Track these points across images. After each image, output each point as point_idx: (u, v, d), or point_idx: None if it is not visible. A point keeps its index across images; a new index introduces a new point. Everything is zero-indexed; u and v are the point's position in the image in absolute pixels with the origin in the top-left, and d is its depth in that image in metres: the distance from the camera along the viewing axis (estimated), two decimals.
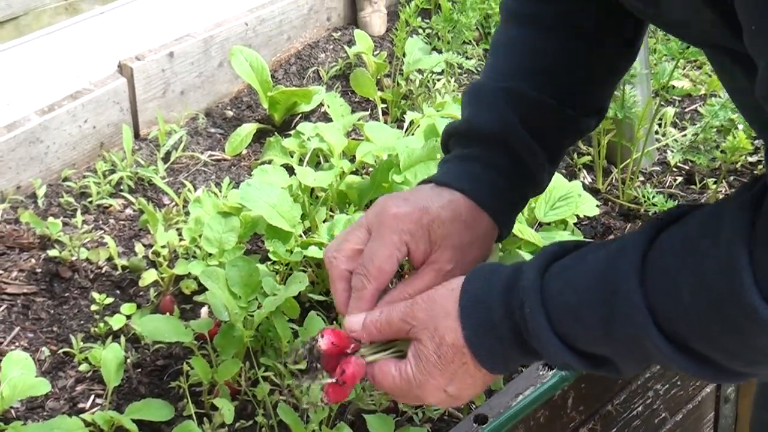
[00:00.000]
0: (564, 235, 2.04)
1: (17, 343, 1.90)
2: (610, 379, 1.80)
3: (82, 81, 2.41)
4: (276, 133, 2.48)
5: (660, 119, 2.64)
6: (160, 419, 1.69)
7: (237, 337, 1.73)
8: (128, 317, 1.94)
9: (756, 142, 2.45)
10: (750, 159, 2.53)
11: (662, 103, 2.41)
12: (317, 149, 2.26)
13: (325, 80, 2.82)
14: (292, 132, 2.37)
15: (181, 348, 1.89)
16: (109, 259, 2.09)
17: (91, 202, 2.26)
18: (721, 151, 2.39)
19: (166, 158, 2.42)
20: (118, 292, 2.03)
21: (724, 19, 0.94)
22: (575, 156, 2.50)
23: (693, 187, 2.47)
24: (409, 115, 2.43)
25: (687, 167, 2.53)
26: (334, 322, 1.88)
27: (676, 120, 2.69)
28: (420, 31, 3.01)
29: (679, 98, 2.78)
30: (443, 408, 1.74)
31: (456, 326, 1.10)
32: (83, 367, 1.86)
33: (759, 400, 1.70)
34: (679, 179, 2.49)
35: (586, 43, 1.33)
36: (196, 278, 1.98)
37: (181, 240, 2.04)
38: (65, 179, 2.33)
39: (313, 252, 1.92)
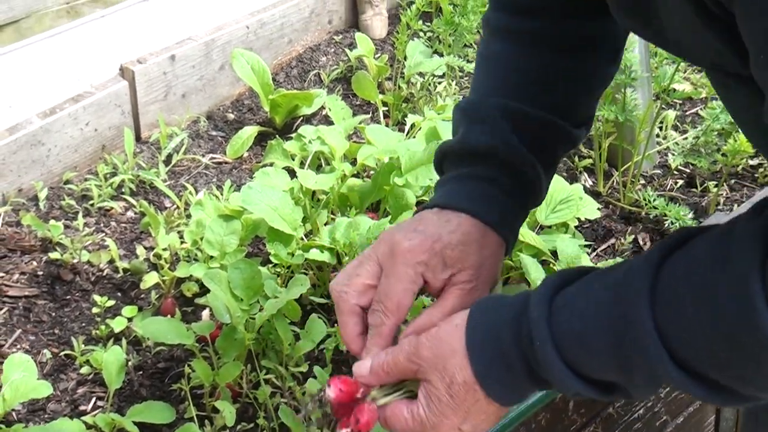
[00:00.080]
0: (565, 238, 2.04)
1: (19, 346, 1.90)
2: None
3: (84, 84, 2.41)
4: (277, 136, 2.48)
5: (661, 122, 2.64)
6: (161, 422, 1.70)
7: (238, 339, 1.73)
8: (129, 320, 1.94)
9: None
10: (751, 162, 2.53)
11: (663, 106, 2.41)
12: (318, 152, 2.26)
13: (326, 83, 2.82)
14: (293, 135, 2.37)
15: (182, 350, 1.89)
16: (111, 261, 2.09)
17: (92, 205, 2.27)
18: (722, 154, 2.39)
19: (168, 161, 2.42)
20: (119, 294, 2.03)
21: (727, 42, 0.94)
22: (576, 159, 2.51)
23: (694, 190, 2.47)
24: (411, 118, 2.44)
25: (688, 170, 2.53)
26: (336, 324, 1.88)
27: (677, 123, 2.69)
28: (421, 34, 3.02)
29: (680, 101, 2.78)
30: None
31: (465, 363, 1.09)
32: (84, 369, 1.86)
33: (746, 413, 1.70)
34: (680, 182, 2.50)
35: (574, 56, 1.33)
36: (197, 281, 1.98)
37: (182, 243, 2.04)
38: (67, 182, 2.33)
39: (315, 255, 1.92)
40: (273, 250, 1.94)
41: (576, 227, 2.18)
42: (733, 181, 2.50)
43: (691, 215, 2.31)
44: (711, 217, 2.24)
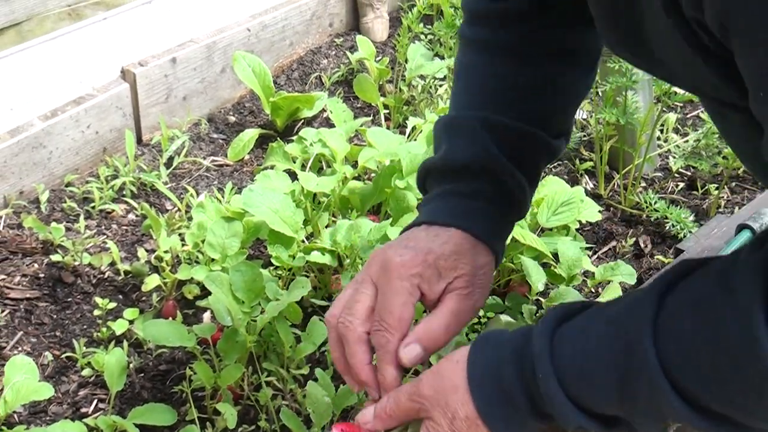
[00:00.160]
0: (566, 241, 2.04)
1: (20, 348, 1.91)
2: None
3: (85, 86, 2.42)
4: (278, 138, 2.48)
5: (662, 125, 2.64)
6: (162, 424, 1.69)
7: (240, 341, 1.73)
8: (131, 322, 1.94)
9: None
10: None
11: (664, 109, 2.41)
12: (320, 155, 2.26)
13: (327, 86, 2.83)
14: (294, 137, 2.37)
15: (183, 353, 1.89)
16: (112, 264, 2.09)
17: (93, 208, 2.27)
18: (723, 157, 2.40)
19: (169, 163, 2.42)
20: (120, 297, 2.04)
21: (723, 77, 0.94)
22: (577, 162, 2.51)
23: (695, 192, 2.47)
24: (412, 121, 2.44)
25: (689, 173, 2.54)
26: None
27: (678, 126, 2.69)
28: (422, 37, 3.02)
29: (681, 104, 2.78)
30: None
31: (467, 399, 1.09)
32: (86, 371, 1.86)
33: None
34: (681, 185, 2.50)
35: (551, 67, 1.33)
36: (198, 283, 1.98)
37: (183, 245, 2.04)
38: (68, 184, 2.33)
39: (316, 257, 1.92)
40: (274, 252, 1.94)
41: (577, 230, 2.18)
42: (734, 183, 2.50)
43: (692, 218, 2.31)
44: (712, 220, 2.24)
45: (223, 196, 2.24)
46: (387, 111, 2.68)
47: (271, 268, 2.00)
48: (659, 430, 1.04)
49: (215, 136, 2.60)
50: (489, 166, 1.27)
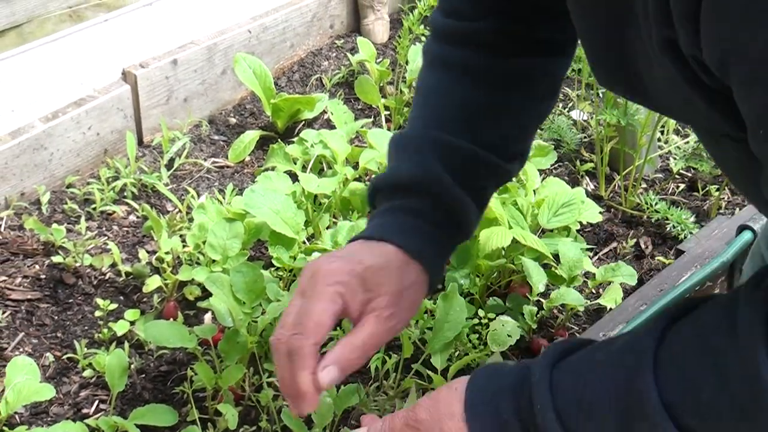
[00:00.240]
0: (567, 242, 2.04)
1: (21, 349, 1.91)
2: None
3: (86, 88, 2.42)
4: (279, 140, 2.48)
5: (662, 126, 2.64)
6: (164, 424, 1.70)
7: (241, 342, 1.73)
8: (132, 323, 1.94)
9: None
10: None
11: None
12: (320, 156, 2.26)
13: (328, 87, 2.83)
14: (295, 139, 2.38)
15: (184, 354, 1.89)
16: (113, 265, 2.09)
17: (94, 209, 2.27)
18: None
19: (170, 165, 2.43)
20: (121, 298, 2.04)
21: (720, 112, 0.93)
22: (578, 163, 2.51)
23: (696, 194, 2.48)
24: None
25: (689, 174, 2.54)
26: (338, 327, 1.88)
27: (679, 127, 2.69)
28: (423, 38, 3.02)
29: None
30: None
31: (462, 426, 1.09)
32: (87, 372, 1.86)
33: None
34: (682, 186, 2.50)
35: (511, 91, 1.33)
36: (199, 284, 1.98)
37: (184, 246, 2.04)
38: (69, 186, 2.33)
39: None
40: (275, 253, 1.94)
41: (578, 231, 2.18)
42: None
43: (692, 219, 2.31)
44: (713, 221, 2.24)
45: (224, 198, 2.24)
46: (388, 112, 2.68)
47: (272, 269, 2.00)
48: None
49: (216, 137, 2.60)
50: (432, 185, 1.26)
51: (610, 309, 1.99)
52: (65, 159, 2.35)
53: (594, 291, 2.11)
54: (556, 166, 2.49)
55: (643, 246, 2.28)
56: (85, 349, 1.89)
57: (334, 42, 3.04)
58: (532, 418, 1.05)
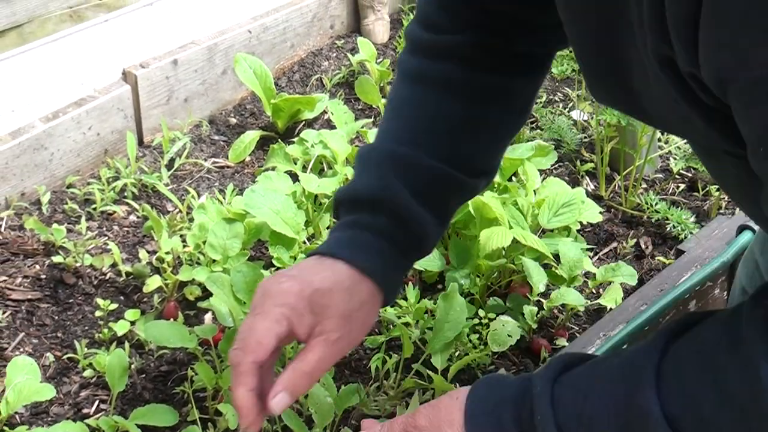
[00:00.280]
0: (567, 242, 2.04)
1: (22, 349, 1.91)
2: None
3: (87, 88, 2.42)
4: (279, 140, 2.48)
5: None
6: (164, 424, 1.69)
7: None
8: (132, 323, 1.94)
9: None
10: None
11: None
12: (321, 156, 2.26)
13: (328, 88, 2.83)
14: (295, 139, 2.38)
15: (185, 354, 1.89)
16: (113, 265, 2.09)
17: (95, 209, 2.27)
18: None
19: (170, 165, 2.43)
20: (122, 298, 2.04)
21: (719, 131, 0.93)
22: (578, 163, 2.51)
23: (696, 194, 2.48)
24: None
25: (690, 174, 2.54)
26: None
27: None
28: None
29: None
30: None
31: None
32: (88, 372, 1.86)
33: None
34: (682, 186, 2.50)
35: (481, 107, 1.32)
36: (200, 284, 1.98)
37: (185, 246, 2.04)
38: (69, 186, 2.33)
39: None
40: (275, 253, 1.94)
41: (578, 231, 2.18)
42: None
43: (693, 219, 2.31)
44: (713, 221, 2.24)
45: (224, 198, 2.24)
46: None
47: (273, 269, 2.00)
48: None
49: (216, 137, 2.60)
50: (390, 201, 1.25)
51: (611, 309, 1.99)
52: (65, 159, 2.35)
53: (594, 291, 2.11)
54: (556, 166, 2.49)
55: (643, 246, 2.28)
56: (86, 349, 1.89)
57: (334, 42, 3.04)
58: (533, 430, 1.05)
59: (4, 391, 1.70)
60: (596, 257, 2.24)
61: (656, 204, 2.31)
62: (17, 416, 1.76)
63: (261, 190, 1.97)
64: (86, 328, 1.97)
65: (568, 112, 2.72)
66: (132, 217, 2.28)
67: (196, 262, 2.01)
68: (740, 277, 1.65)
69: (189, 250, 2.02)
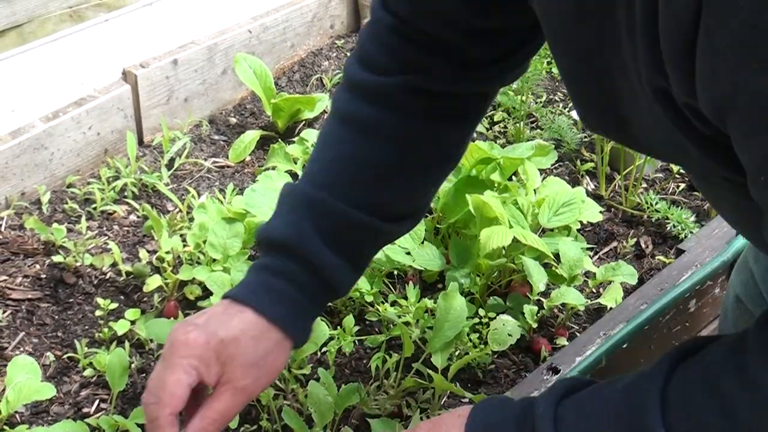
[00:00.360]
0: (567, 241, 2.04)
1: (22, 348, 1.91)
2: None
3: (87, 88, 2.42)
4: (279, 139, 2.48)
5: None
6: None
7: None
8: (133, 323, 1.94)
9: None
10: None
11: None
12: None
13: (328, 87, 2.83)
14: (295, 139, 2.38)
15: None
16: (114, 265, 2.09)
17: (95, 209, 2.27)
18: None
19: (170, 165, 2.43)
20: (122, 297, 2.04)
21: (718, 160, 0.92)
22: (578, 162, 2.51)
23: (696, 193, 2.47)
24: None
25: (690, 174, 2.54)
26: (338, 327, 1.88)
27: None
28: None
29: None
30: None
31: None
32: (88, 372, 1.86)
33: None
34: (682, 186, 2.50)
35: (412, 156, 1.31)
36: (200, 284, 1.98)
37: (185, 246, 2.04)
38: (69, 186, 2.33)
39: None
40: None
41: (578, 230, 2.19)
42: None
43: (693, 218, 2.31)
44: (713, 221, 2.24)
45: (224, 197, 2.24)
46: None
47: None
48: None
49: (216, 137, 2.60)
50: (302, 248, 1.26)
51: (611, 308, 2.00)
52: (66, 159, 2.35)
53: (594, 290, 2.11)
54: (556, 165, 2.49)
55: (643, 245, 2.28)
56: (86, 348, 1.89)
57: (334, 42, 3.04)
58: None
59: (4, 390, 1.71)
60: (596, 256, 2.24)
61: (656, 203, 2.32)
62: (17, 415, 1.76)
63: (261, 189, 1.97)
64: (86, 327, 1.97)
65: (568, 111, 2.72)
66: (132, 217, 2.28)
67: (197, 262, 2.01)
68: (734, 285, 1.65)
69: (189, 250, 2.02)
